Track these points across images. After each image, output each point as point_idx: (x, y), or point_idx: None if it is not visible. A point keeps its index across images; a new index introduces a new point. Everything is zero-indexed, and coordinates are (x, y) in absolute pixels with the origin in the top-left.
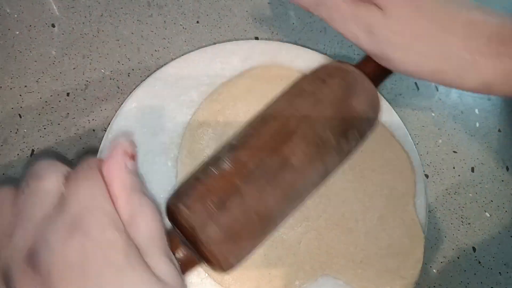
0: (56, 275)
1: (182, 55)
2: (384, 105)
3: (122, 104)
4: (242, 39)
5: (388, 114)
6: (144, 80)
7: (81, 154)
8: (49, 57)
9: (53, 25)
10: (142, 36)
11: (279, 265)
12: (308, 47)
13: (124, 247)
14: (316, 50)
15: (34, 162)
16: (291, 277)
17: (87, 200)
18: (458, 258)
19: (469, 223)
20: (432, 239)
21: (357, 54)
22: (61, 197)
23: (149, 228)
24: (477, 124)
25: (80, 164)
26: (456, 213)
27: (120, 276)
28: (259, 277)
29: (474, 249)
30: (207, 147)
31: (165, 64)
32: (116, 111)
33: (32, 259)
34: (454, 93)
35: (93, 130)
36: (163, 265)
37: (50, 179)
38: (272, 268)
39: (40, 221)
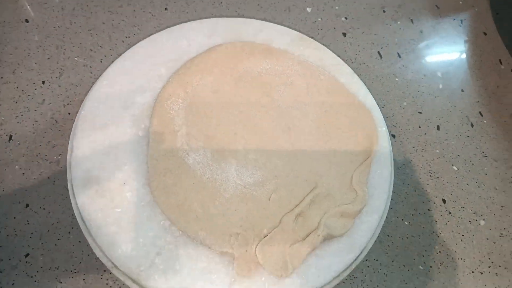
0: None
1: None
2: (347, 71)
3: (94, 83)
4: None
5: (351, 78)
6: (114, 61)
7: (57, 137)
8: (24, 50)
9: (27, 21)
10: (113, 25)
11: (249, 218)
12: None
13: None
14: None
15: None
16: (260, 227)
17: None
18: (429, 210)
19: (437, 177)
20: (402, 193)
21: (321, 29)
22: None
23: None
24: (440, 86)
25: None
26: (424, 169)
27: None
28: (231, 229)
29: (444, 201)
30: (177, 116)
31: (134, 44)
32: (89, 91)
33: None
34: (416, 59)
35: (68, 113)
36: None
37: None
38: (243, 221)
39: None
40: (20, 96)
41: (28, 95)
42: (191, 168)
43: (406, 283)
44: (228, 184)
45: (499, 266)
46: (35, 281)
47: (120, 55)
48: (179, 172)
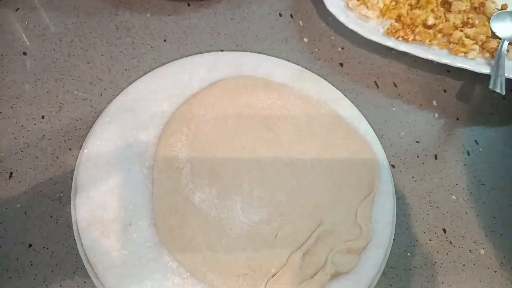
0: None
1: (151, 70)
2: (347, 103)
3: (96, 120)
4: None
5: (350, 111)
6: (116, 96)
7: (58, 173)
8: (22, 83)
9: (24, 53)
10: (112, 57)
11: (256, 258)
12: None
13: None
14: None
15: None
16: (268, 267)
17: None
18: (430, 240)
19: (437, 207)
20: (404, 224)
21: (318, 59)
22: None
23: None
24: (436, 115)
25: None
26: (424, 199)
27: None
28: (238, 270)
29: (444, 230)
30: (181, 153)
31: (135, 80)
32: (91, 128)
33: None
34: (413, 89)
35: (69, 149)
36: None
37: None
38: (251, 261)
39: None
40: (19, 131)
41: (28, 130)
42: (196, 207)
43: None
44: (234, 222)
45: None
46: None
47: (120, 88)
48: (185, 212)
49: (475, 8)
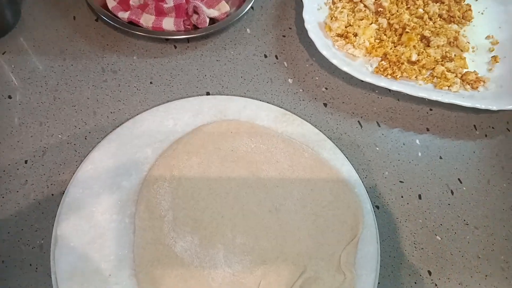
0: None
1: (137, 114)
2: (330, 145)
3: (78, 167)
4: (194, 95)
5: (333, 153)
6: (100, 141)
7: (40, 220)
8: (6, 128)
9: (10, 97)
10: (97, 100)
11: None
12: (256, 98)
13: None
14: (262, 101)
15: None
16: None
17: None
18: (415, 283)
19: (422, 248)
20: (389, 267)
21: (302, 100)
22: None
23: None
24: (419, 154)
25: None
26: (408, 240)
27: None
28: None
29: (429, 272)
30: (163, 201)
31: (119, 125)
32: (73, 174)
33: None
34: (396, 128)
35: (52, 194)
36: None
37: None
38: None
39: None
40: (1, 177)
41: (10, 176)
42: (178, 256)
43: None
44: (217, 272)
45: None
46: None
47: (105, 131)
48: (167, 262)
49: (450, 42)
